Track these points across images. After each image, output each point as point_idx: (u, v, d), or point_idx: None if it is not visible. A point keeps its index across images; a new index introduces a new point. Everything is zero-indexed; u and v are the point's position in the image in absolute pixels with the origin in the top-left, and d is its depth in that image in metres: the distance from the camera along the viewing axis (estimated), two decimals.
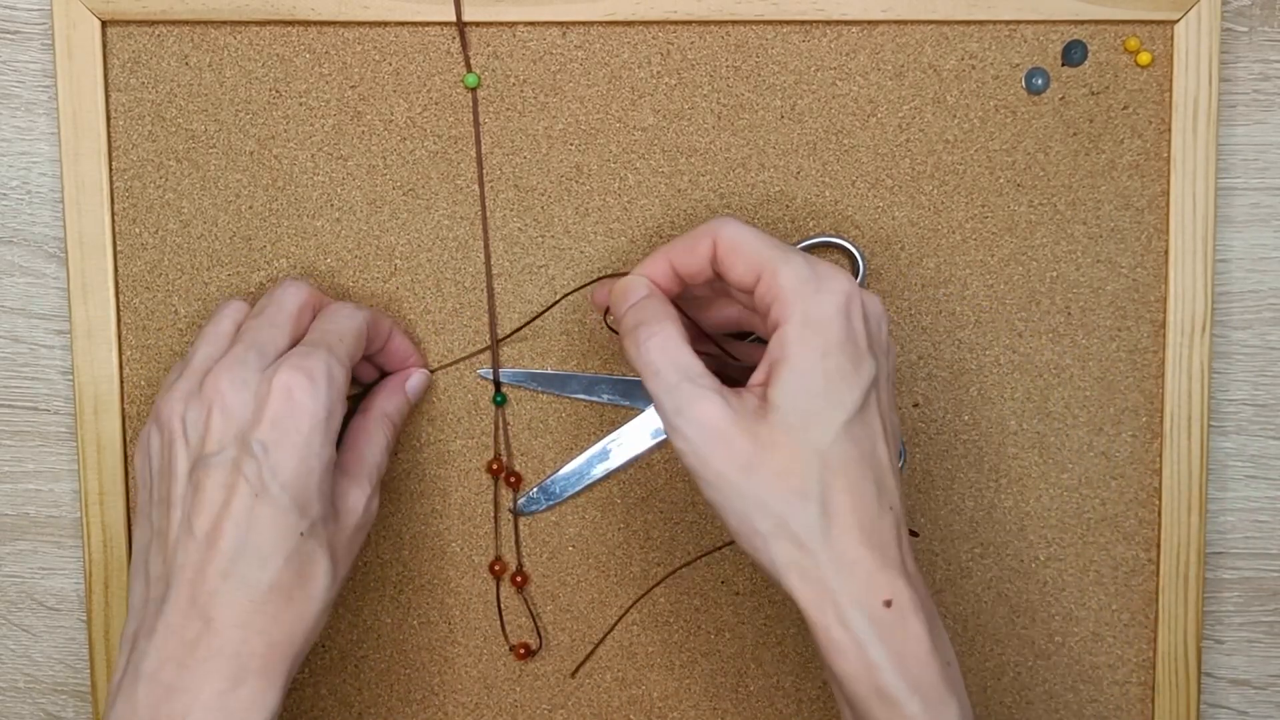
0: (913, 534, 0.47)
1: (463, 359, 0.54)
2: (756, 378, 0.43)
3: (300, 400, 0.44)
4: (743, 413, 0.41)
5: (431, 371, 0.53)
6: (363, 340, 0.48)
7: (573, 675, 0.55)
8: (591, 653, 0.55)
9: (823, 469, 0.41)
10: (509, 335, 0.53)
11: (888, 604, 0.41)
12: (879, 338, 0.43)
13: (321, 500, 0.45)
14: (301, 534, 0.44)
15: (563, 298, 0.53)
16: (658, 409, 0.43)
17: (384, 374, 0.53)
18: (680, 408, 0.42)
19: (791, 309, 0.42)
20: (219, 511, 0.43)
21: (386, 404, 0.51)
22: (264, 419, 0.44)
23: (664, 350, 0.42)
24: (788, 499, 0.41)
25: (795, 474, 0.41)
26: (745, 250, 0.43)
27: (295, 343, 0.47)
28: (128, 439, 0.54)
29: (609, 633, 0.55)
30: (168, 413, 0.45)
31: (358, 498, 0.47)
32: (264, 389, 0.44)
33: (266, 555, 0.43)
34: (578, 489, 0.54)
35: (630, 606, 0.55)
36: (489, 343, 0.54)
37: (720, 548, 0.54)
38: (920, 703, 0.41)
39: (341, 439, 0.49)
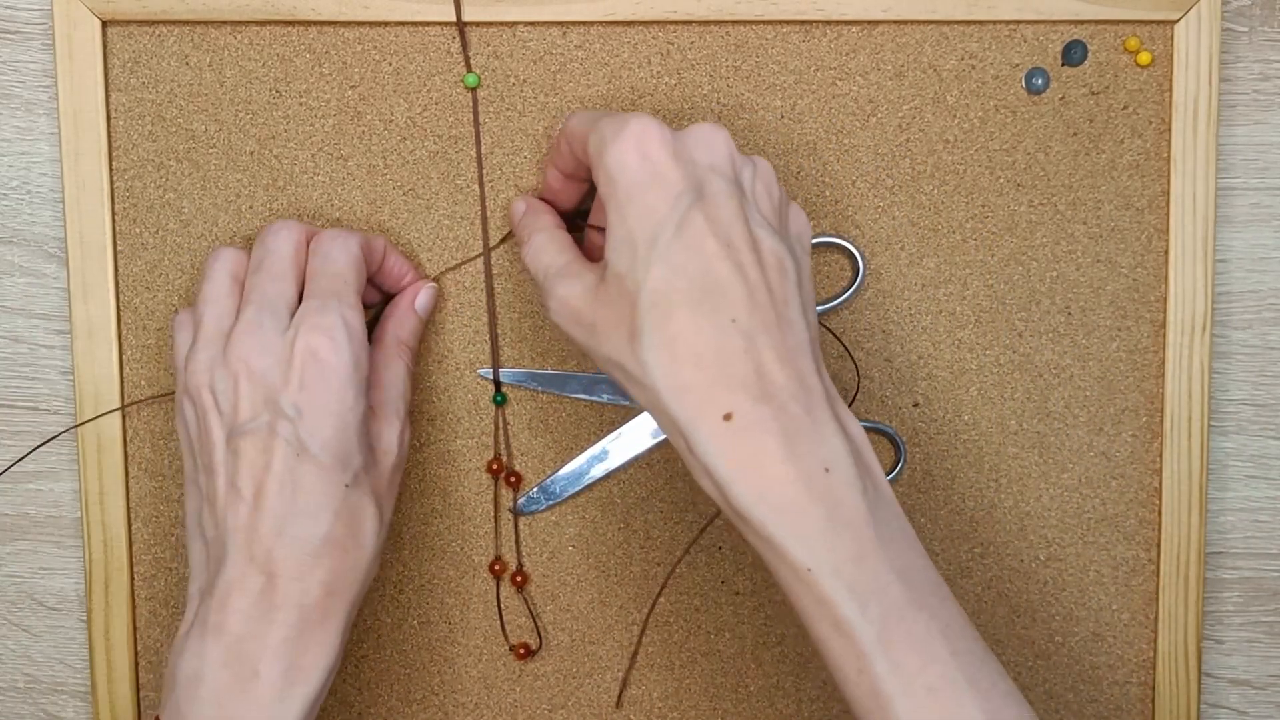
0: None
1: (461, 263, 0.53)
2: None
3: (326, 359, 0.45)
4: (591, 285, 0.44)
5: (434, 280, 0.53)
6: (363, 270, 0.49)
7: (618, 707, 0.55)
8: (627, 676, 0.55)
9: (649, 304, 0.41)
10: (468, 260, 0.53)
11: (727, 417, 0.40)
12: (705, 160, 0.43)
13: (361, 450, 0.46)
14: (346, 485, 0.45)
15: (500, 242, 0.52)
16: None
17: (386, 295, 0.53)
18: (546, 300, 0.45)
19: (598, 170, 0.43)
20: (262, 475, 0.45)
21: (400, 330, 0.51)
22: (292, 383, 0.45)
23: (535, 256, 0.47)
24: (622, 346, 0.42)
25: (625, 319, 0.42)
26: (575, 135, 0.46)
27: (300, 287, 0.48)
28: (128, 439, 0.54)
29: (636, 652, 0.55)
30: (195, 384, 0.46)
31: (390, 437, 0.49)
32: (287, 353, 0.45)
33: (315, 512, 0.45)
34: (578, 489, 0.54)
35: (646, 617, 0.55)
36: (489, 343, 0.54)
37: (707, 524, 0.54)
38: (767, 512, 0.40)
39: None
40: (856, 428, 0.43)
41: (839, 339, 0.54)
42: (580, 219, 0.51)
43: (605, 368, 0.43)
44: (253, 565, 0.44)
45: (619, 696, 0.55)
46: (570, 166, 0.48)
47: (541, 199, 0.51)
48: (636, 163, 0.42)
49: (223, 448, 0.46)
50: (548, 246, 0.46)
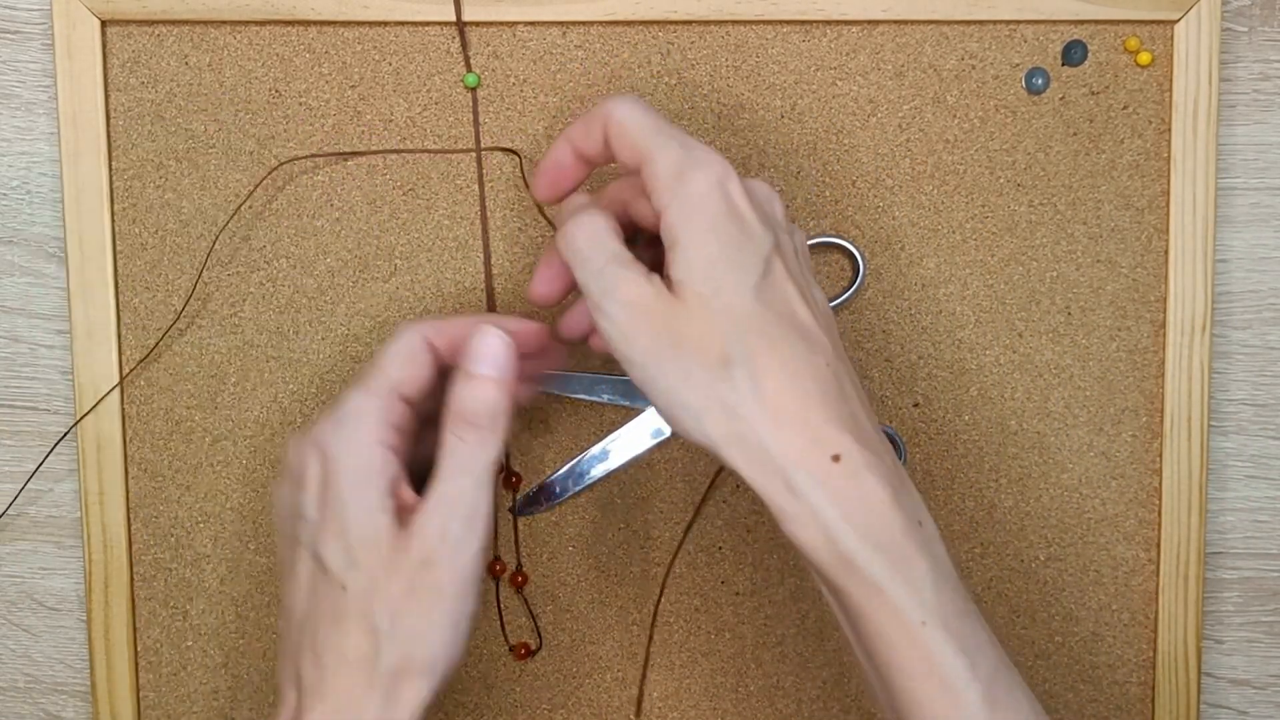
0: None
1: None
2: (666, 264, 0.41)
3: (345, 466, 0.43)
4: (663, 292, 0.40)
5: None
6: (408, 357, 0.44)
7: (636, 716, 0.55)
8: (642, 687, 0.55)
9: (742, 331, 0.39)
10: None
11: (835, 459, 0.39)
12: (770, 213, 0.42)
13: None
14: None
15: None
16: (587, 297, 0.41)
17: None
18: (606, 290, 0.41)
19: (670, 194, 0.40)
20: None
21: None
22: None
23: (590, 238, 0.41)
24: (712, 367, 0.39)
25: (716, 340, 0.39)
26: (629, 135, 0.42)
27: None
28: (127, 439, 0.54)
29: (646, 662, 0.55)
30: None
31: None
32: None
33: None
34: (577, 489, 0.54)
35: (652, 621, 0.55)
36: None
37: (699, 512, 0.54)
38: (883, 561, 0.38)
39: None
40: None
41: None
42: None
43: (674, 384, 0.40)
44: None
45: (638, 706, 0.55)
46: (593, 150, 0.44)
47: (540, 187, 0.46)
48: (720, 196, 0.41)
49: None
50: (609, 233, 0.42)
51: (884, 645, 0.39)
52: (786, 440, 0.39)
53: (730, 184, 0.41)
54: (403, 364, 0.44)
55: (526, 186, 0.53)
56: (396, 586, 0.41)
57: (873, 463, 0.39)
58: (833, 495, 0.39)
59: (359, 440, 0.42)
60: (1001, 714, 0.39)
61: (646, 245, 0.45)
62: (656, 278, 0.41)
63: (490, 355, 0.43)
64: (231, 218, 0.53)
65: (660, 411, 0.41)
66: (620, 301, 0.40)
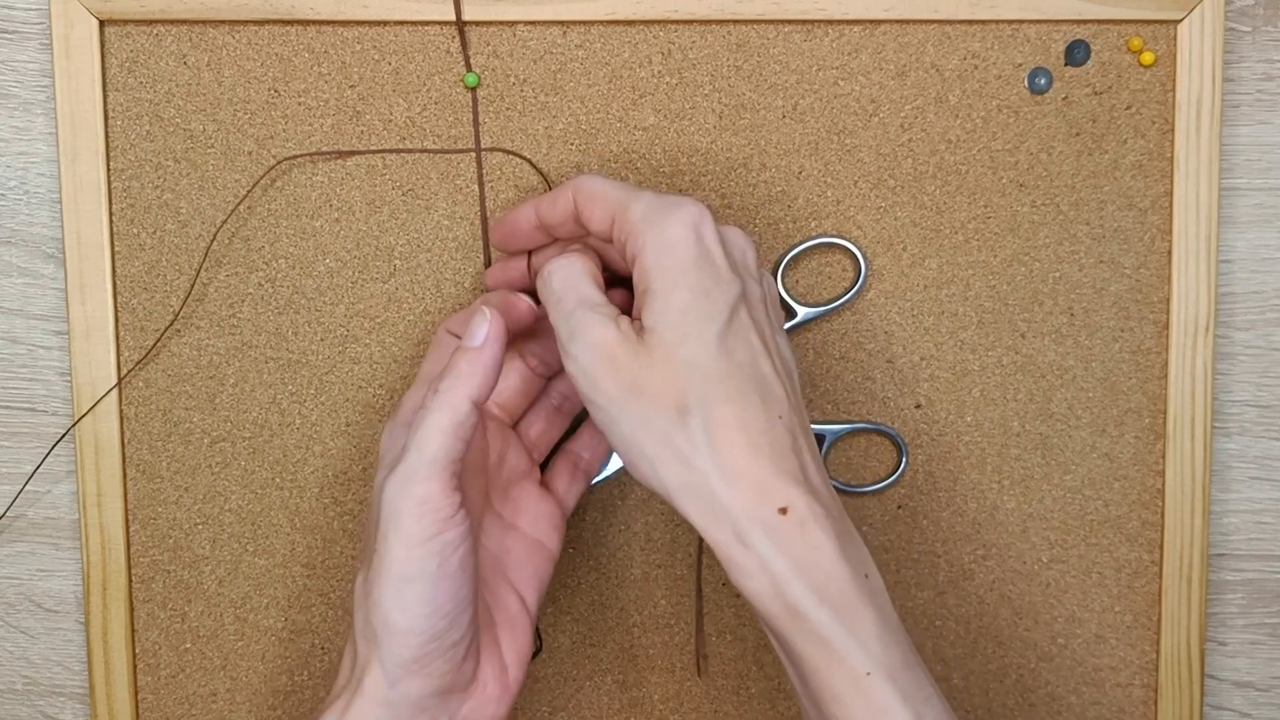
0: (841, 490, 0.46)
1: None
2: (636, 309, 0.42)
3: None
4: (630, 337, 0.41)
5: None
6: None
7: (699, 675, 0.55)
8: (699, 641, 0.55)
9: (702, 382, 0.40)
10: None
11: (783, 511, 0.40)
12: (742, 260, 0.43)
13: None
14: None
15: None
16: (556, 337, 0.43)
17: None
18: (574, 332, 0.42)
19: (644, 239, 0.42)
20: None
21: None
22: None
23: (564, 280, 0.43)
24: (670, 416, 0.40)
25: (675, 389, 0.40)
26: (600, 197, 0.43)
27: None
28: (126, 440, 0.53)
29: (699, 616, 0.55)
30: None
31: None
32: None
33: None
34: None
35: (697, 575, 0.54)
36: None
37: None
38: (829, 612, 0.39)
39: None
40: None
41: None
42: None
43: (631, 430, 0.41)
44: None
45: (697, 663, 0.55)
46: (557, 219, 0.45)
47: (495, 235, 0.49)
48: (693, 242, 0.42)
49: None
50: (584, 278, 0.43)
51: (830, 696, 0.40)
52: (736, 493, 0.40)
53: (704, 227, 0.42)
54: (432, 358, 0.47)
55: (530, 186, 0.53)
56: (368, 550, 0.43)
57: (819, 514, 0.40)
58: (780, 546, 0.40)
59: (391, 425, 0.46)
60: None
61: (621, 290, 0.47)
62: (626, 321, 0.42)
63: (471, 329, 0.43)
64: (229, 215, 0.53)
65: (619, 455, 0.42)
66: (586, 344, 0.41)
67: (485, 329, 0.43)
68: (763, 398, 0.41)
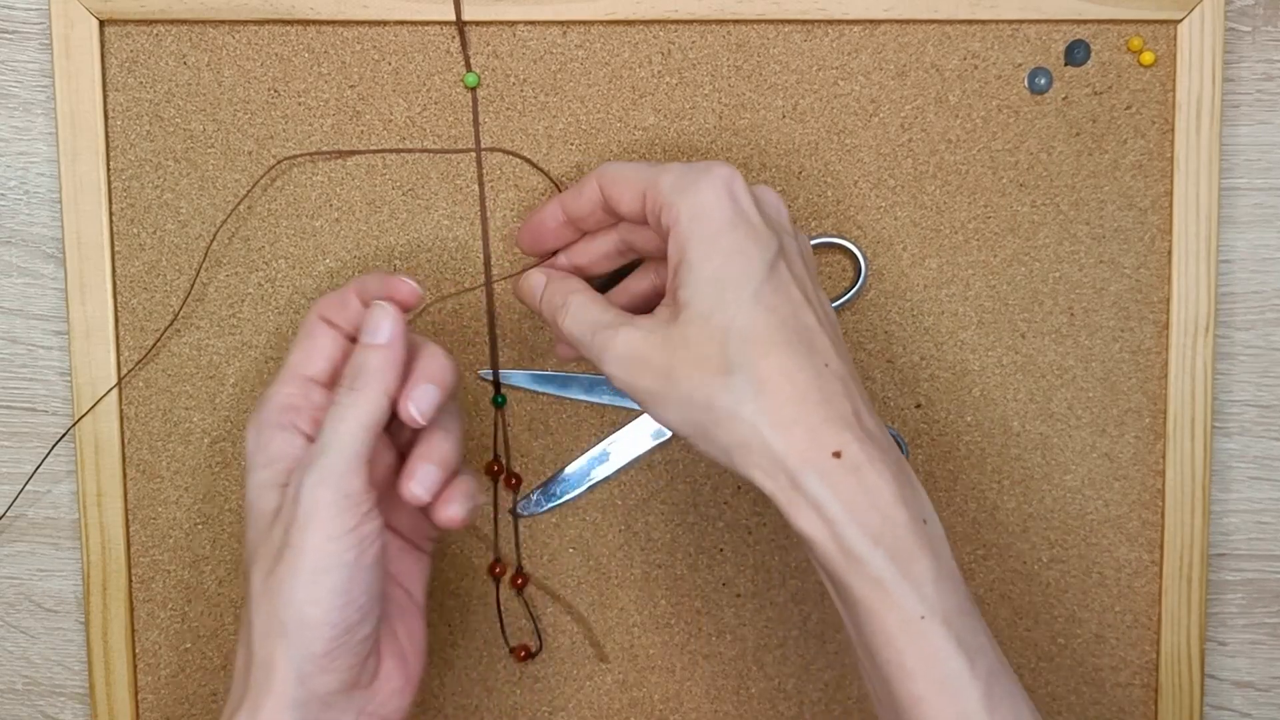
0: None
1: (458, 291, 0.53)
2: (670, 287, 0.43)
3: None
4: (654, 329, 0.42)
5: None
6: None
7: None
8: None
9: (741, 341, 0.40)
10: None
11: (837, 455, 0.40)
12: (776, 218, 0.44)
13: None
14: None
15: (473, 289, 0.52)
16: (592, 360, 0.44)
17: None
18: (603, 354, 0.43)
19: (677, 208, 0.42)
20: None
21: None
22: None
23: (576, 319, 0.44)
24: (711, 382, 0.41)
25: (713, 356, 0.41)
26: (626, 178, 0.44)
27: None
28: (125, 440, 0.53)
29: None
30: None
31: None
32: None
33: None
34: (578, 490, 0.54)
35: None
36: (489, 344, 0.53)
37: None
38: (884, 555, 0.39)
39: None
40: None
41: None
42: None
43: (680, 411, 0.42)
44: None
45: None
46: (584, 210, 0.47)
47: (523, 238, 0.50)
48: (729, 204, 0.42)
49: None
50: (589, 305, 0.45)
51: (883, 640, 0.40)
52: (788, 440, 0.40)
53: (736, 186, 0.42)
54: (302, 349, 0.46)
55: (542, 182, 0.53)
56: (269, 548, 0.43)
57: (875, 458, 0.40)
58: (835, 490, 0.40)
59: (259, 425, 0.45)
60: (1000, 716, 0.39)
61: (647, 269, 0.48)
62: (644, 319, 0.43)
63: (373, 325, 0.44)
64: (229, 215, 0.53)
65: (685, 439, 0.43)
66: (614, 359, 0.43)
67: (389, 326, 0.44)
68: (808, 348, 0.41)
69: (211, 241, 0.53)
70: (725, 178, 0.42)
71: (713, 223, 0.42)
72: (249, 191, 0.53)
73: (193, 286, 0.53)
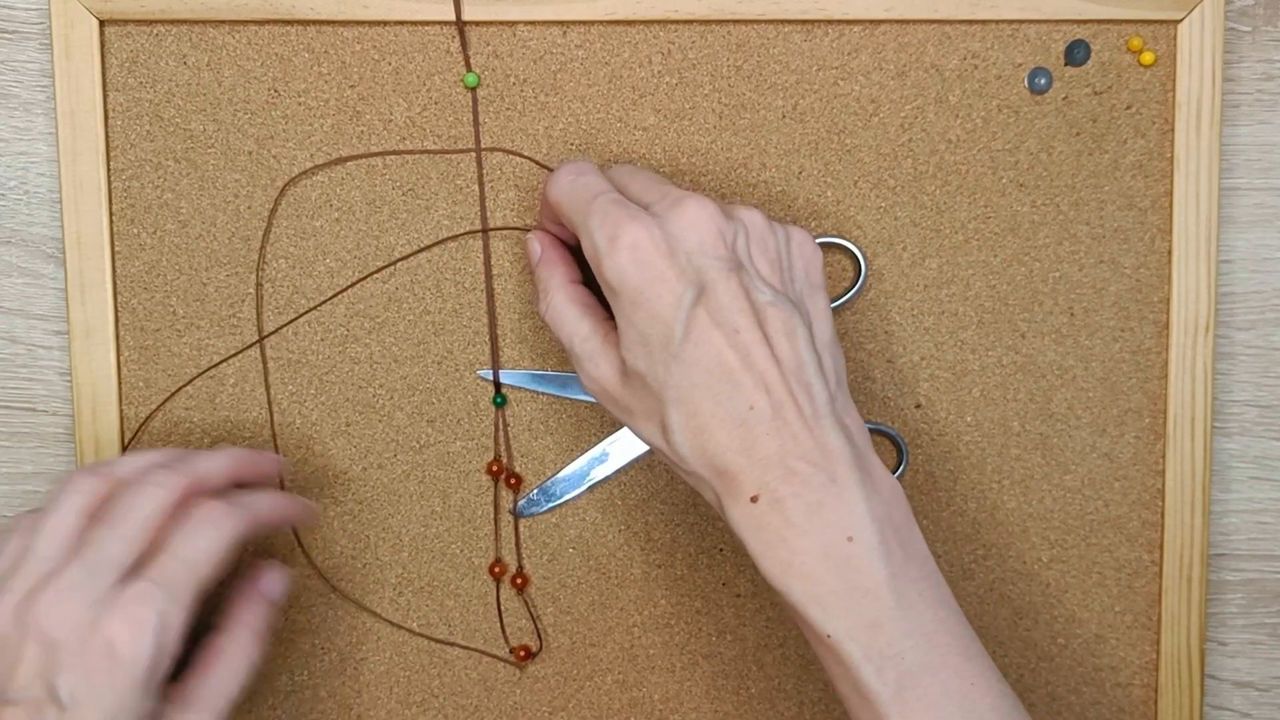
0: None
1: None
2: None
3: (122, 654, 0.42)
4: (618, 369, 0.45)
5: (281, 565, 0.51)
6: (222, 565, 0.45)
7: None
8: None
9: (673, 402, 0.43)
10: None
11: (753, 499, 0.42)
12: (699, 250, 0.43)
13: None
14: None
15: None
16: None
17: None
18: (579, 365, 0.46)
19: (603, 270, 0.43)
20: None
21: (247, 616, 0.48)
22: (79, 666, 0.42)
23: (556, 319, 0.47)
24: (656, 434, 0.44)
25: (655, 415, 0.44)
26: (564, 209, 0.46)
27: (144, 552, 0.44)
28: (126, 440, 0.53)
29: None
30: None
31: None
32: (86, 631, 0.42)
33: None
34: (578, 491, 0.54)
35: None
36: (489, 344, 0.53)
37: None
38: (798, 584, 0.42)
39: (193, 656, 0.46)
40: (887, 481, 0.44)
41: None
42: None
43: (644, 441, 0.45)
44: None
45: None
46: (556, 228, 0.49)
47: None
48: (635, 270, 0.43)
49: None
50: (567, 312, 0.46)
51: (816, 652, 0.44)
52: (717, 485, 0.43)
53: (641, 251, 0.43)
54: (218, 568, 0.46)
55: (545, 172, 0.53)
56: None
57: (787, 495, 0.42)
58: (749, 529, 0.43)
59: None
60: (914, 714, 0.41)
61: None
62: (610, 356, 0.45)
63: (276, 590, 0.50)
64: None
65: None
66: (586, 378, 0.46)
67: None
68: (729, 396, 0.42)
69: (262, 246, 0.53)
70: (630, 244, 0.42)
71: (626, 293, 0.43)
72: (272, 213, 0.53)
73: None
